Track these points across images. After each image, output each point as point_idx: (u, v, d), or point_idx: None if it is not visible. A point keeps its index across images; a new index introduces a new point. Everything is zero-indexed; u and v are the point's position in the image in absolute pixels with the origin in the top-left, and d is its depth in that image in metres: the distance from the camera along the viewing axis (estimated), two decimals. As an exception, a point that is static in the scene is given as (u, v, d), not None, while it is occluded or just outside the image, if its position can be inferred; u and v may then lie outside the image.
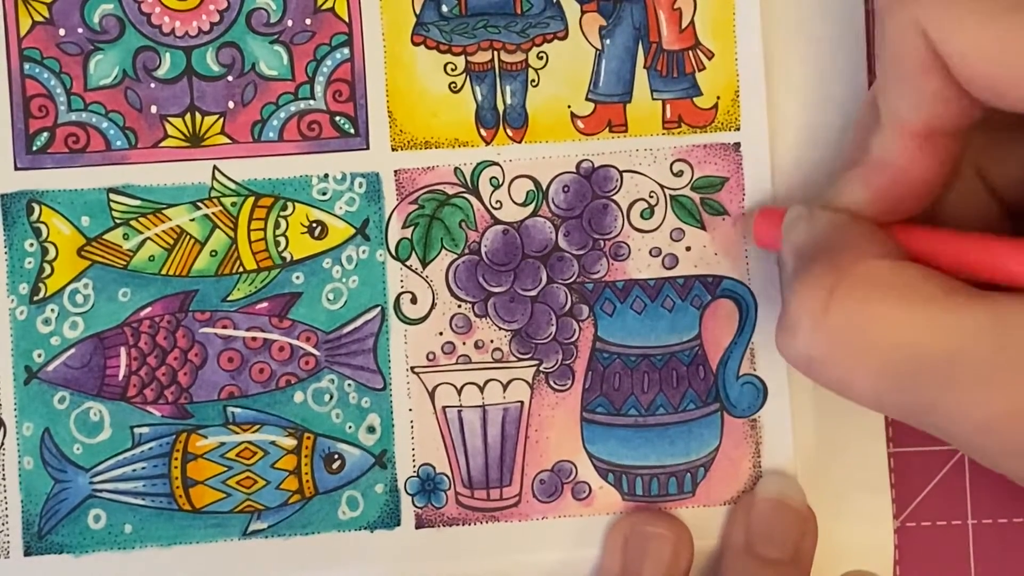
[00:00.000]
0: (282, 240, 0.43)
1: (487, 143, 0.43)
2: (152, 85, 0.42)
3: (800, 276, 0.35)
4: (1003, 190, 0.39)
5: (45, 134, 0.42)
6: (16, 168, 0.42)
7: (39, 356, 0.42)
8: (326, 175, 0.43)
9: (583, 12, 0.43)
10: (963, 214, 0.39)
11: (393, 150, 0.43)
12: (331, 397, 0.43)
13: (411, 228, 0.43)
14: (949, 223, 0.39)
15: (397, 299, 0.43)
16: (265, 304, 0.43)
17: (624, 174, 0.43)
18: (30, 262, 0.42)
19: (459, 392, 0.43)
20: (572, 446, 0.43)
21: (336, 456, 0.43)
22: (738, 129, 0.43)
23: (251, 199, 0.43)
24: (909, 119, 0.35)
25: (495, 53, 0.43)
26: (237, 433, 0.43)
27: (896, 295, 0.33)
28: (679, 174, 0.43)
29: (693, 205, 0.43)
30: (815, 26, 0.43)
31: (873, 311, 0.33)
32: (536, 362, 0.43)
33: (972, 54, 0.32)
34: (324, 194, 0.43)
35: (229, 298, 0.43)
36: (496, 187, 0.43)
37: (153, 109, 0.42)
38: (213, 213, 0.42)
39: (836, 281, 0.34)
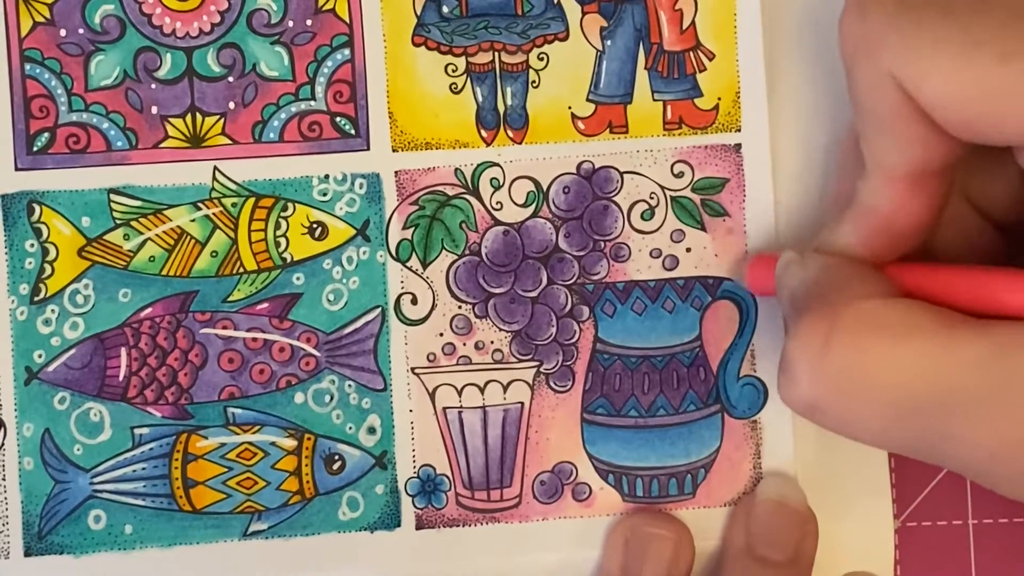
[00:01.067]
0: (282, 241, 0.43)
1: (488, 144, 0.43)
2: (153, 86, 0.42)
3: (795, 322, 0.35)
4: (992, 210, 0.39)
5: (46, 135, 0.42)
6: (17, 168, 0.42)
7: (39, 356, 0.42)
8: (327, 176, 0.43)
9: (584, 13, 0.43)
10: (955, 238, 0.39)
11: (394, 151, 0.43)
12: (331, 398, 0.43)
13: (411, 229, 0.43)
14: (942, 248, 0.39)
15: (397, 300, 0.43)
16: (265, 305, 0.43)
17: (625, 175, 0.43)
18: (30, 262, 0.42)
19: (459, 393, 0.43)
20: (572, 447, 0.43)
21: (336, 457, 0.43)
22: (739, 130, 0.43)
23: (252, 200, 0.43)
24: (895, 166, 0.35)
25: (496, 54, 0.43)
26: (237, 434, 0.43)
27: (892, 333, 0.33)
28: (680, 175, 0.43)
29: (694, 206, 0.43)
30: (816, 27, 0.43)
31: (870, 351, 0.33)
32: (536, 363, 0.43)
33: (949, 98, 0.32)
34: (325, 195, 0.43)
35: (229, 299, 0.43)
36: (496, 188, 0.43)
37: (154, 110, 0.42)
38: (214, 214, 0.42)
39: (831, 325, 0.34)
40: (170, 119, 0.42)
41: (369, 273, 0.43)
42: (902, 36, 0.33)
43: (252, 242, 0.42)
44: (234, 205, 0.42)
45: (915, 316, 0.33)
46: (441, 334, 0.43)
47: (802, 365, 0.34)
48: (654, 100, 0.43)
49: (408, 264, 0.43)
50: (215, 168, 0.42)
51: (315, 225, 0.43)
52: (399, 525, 0.43)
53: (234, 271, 0.43)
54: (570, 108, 0.43)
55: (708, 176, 0.43)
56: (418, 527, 0.43)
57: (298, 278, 0.43)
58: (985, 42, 0.31)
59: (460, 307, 0.43)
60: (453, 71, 0.43)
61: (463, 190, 0.43)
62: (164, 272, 0.42)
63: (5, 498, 0.42)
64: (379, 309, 0.43)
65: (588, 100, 0.43)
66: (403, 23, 0.43)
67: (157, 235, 0.42)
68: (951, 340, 0.32)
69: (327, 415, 0.43)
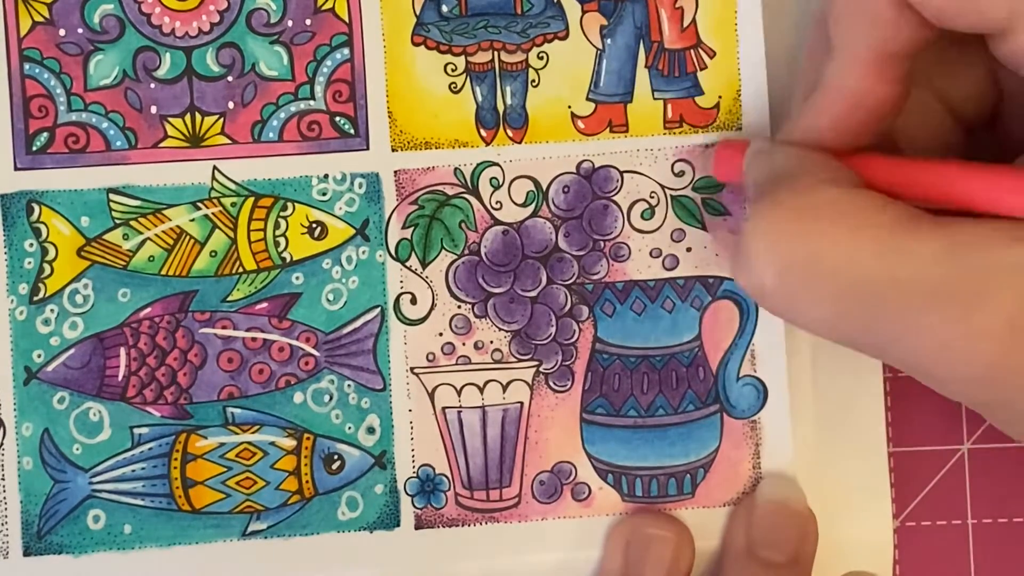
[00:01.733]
0: (282, 240, 0.43)
1: (487, 143, 0.43)
2: (152, 85, 0.42)
3: (754, 210, 0.35)
4: (958, 104, 0.39)
5: (45, 134, 0.42)
6: (16, 168, 0.42)
7: (39, 356, 0.42)
8: (326, 175, 0.43)
9: (584, 12, 0.43)
10: (919, 130, 0.39)
11: (393, 150, 0.43)
12: (331, 398, 0.43)
13: (411, 229, 0.43)
14: (905, 139, 0.39)
15: (397, 300, 0.43)
16: (265, 304, 0.43)
17: (625, 174, 0.43)
18: (30, 262, 0.42)
19: (459, 393, 0.43)
20: (572, 447, 0.43)
21: (336, 457, 0.43)
22: (740, 128, 0.43)
23: (251, 199, 0.43)
24: (863, 46, 0.35)
25: (495, 53, 0.43)
26: (237, 434, 0.43)
27: (848, 223, 0.33)
28: (680, 174, 0.43)
29: (694, 205, 0.43)
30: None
31: (827, 238, 0.33)
32: (536, 363, 0.43)
33: None
34: (324, 194, 0.43)
35: (229, 298, 0.43)
36: (496, 187, 0.43)
37: (153, 109, 0.42)
38: (213, 213, 0.42)
39: (790, 209, 0.34)
40: (169, 119, 0.42)
41: (368, 273, 0.43)
42: None
43: (251, 242, 0.42)
44: (233, 205, 0.42)
45: (875, 207, 0.33)
46: (440, 334, 0.43)
47: (758, 247, 0.34)
48: (654, 99, 0.43)
49: (407, 264, 0.43)
50: (214, 168, 0.42)
51: (314, 225, 0.43)
52: (398, 525, 0.43)
53: (233, 271, 0.43)
54: (570, 107, 0.43)
55: (709, 175, 0.43)
56: (417, 527, 0.43)
57: (297, 278, 0.43)
58: None
59: (459, 307, 0.43)
60: (452, 70, 0.43)
61: (462, 190, 0.43)
62: (163, 272, 0.42)
63: (4, 498, 0.42)
64: (378, 309, 0.43)
65: (588, 99, 0.43)
66: (402, 22, 0.43)
67: (156, 235, 0.42)
68: (909, 233, 0.32)
69: (326, 415, 0.43)
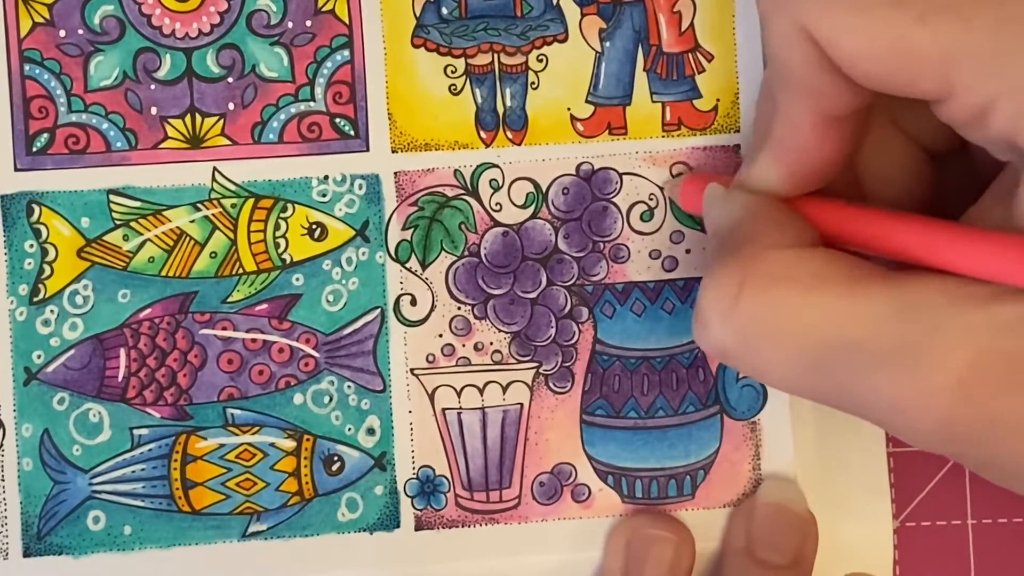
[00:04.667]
0: (282, 242, 0.43)
1: (487, 145, 0.43)
2: (152, 86, 0.42)
3: (711, 269, 0.35)
4: (921, 136, 0.39)
5: (45, 135, 0.42)
6: (16, 169, 0.42)
7: (38, 357, 0.42)
8: (326, 177, 0.43)
9: (583, 15, 0.43)
10: (885, 165, 0.39)
11: (393, 152, 0.43)
12: (331, 399, 0.43)
13: (411, 230, 0.43)
14: (873, 174, 0.39)
15: (397, 301, 0.43)
16: (265, 306, 0.43)
17: (624, 176, 0.43)
18: (30, 263, 0.42)
19: (459, 394, 0.43)
20: (572, 448, 0.43)
21: (335, 458, 0.43)
22: (738, 131, 0.43)
23: (251, 201, 0.43)
24: (802, 110, 0.35)
25: (495, 55, 0.43)
26: (237, 435, 0.43)
27: (802, 285, 0.33)
28: (679, 176, 0.43)
29: (693, 207, 0.43)
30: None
31: (780, 302, 0.33)
32: (536, 364, 0.43)
33: (864, 56, 0.32)
34: (324, 196, 0.43)
35: (229, 299, 0.43)
36: (496, 189, 0.43)
37: (153, 110, 0.42)
38: (213, 214, 0.42)
39: (743, 273, 0.34)
40: (169, 120, 0.42)
41: (368, 274, 0.43)
42: None
43: (251, 243, 0.42)
44: (233, 206, 0.43)
45: (827, 268, 0.33)
46: (440, 335, 0.43)
47: (713, 311, 0.34)
48: (653, 101, 0.43)
49: (407, 265, 0.43)
50: (214, 169, 0.42)
51: (314, 226, 0.43)
52: (398, 526, 0.43)
53: (233, 272, 0.43)
54: (569, 109, 0.43)
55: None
56: (417, 528, 0.43)
57: (297, 279, 0.43)
58: (904, 3, 0.31)
59: (459, 308, 0.43)
60: (452, 72, 0.43)
61: (462, 191, 0.43)
62: (163, 273, 0.42)
63: (4, 499, 0.42)
64: (378, 310, 0.43)
65: (587, 101, 0.43)
66: (402, 24, 0.43)
67: (156, 236, 0.42)
68: (860, 294, 0.32)
69: (326, 416, 0.43)
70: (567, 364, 0.43)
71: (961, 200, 0.35)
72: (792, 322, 0.33)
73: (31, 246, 0.42)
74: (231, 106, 0.42)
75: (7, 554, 0.42)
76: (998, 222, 0.33)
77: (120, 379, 0.42)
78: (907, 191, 0.39)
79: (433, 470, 0.43)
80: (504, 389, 0.43)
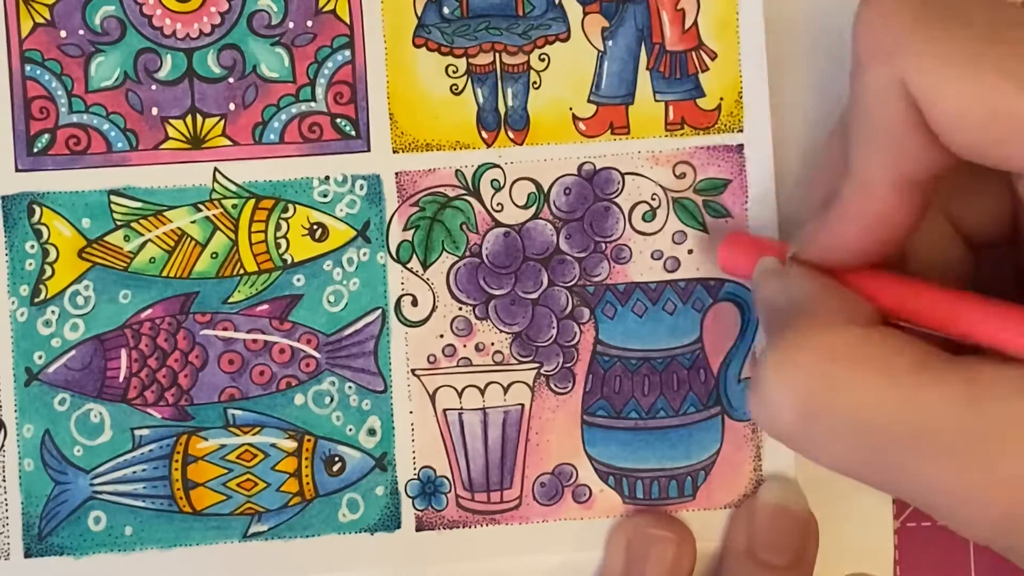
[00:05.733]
0: (283, 242, 0.43)
1: (488, 145, 0.43)
2: (153, 87, 0.42)
3: (772, 344, 0.35)
4: (969, 228, 0.39)
5: (46, 136, 0.42)
6: (17, 170, 0.42)
7: (40, 358, 0.42)
8: (327, 177, 0.43)
9: (585, 13, 0.43)
10: (929, 251, 0.38)
11: (394, 152, 0.43)
12: (332, 399, 0.43)
13: (412, 230, 0.43)
14: (914, 258, 0.38)
15: (398, 301, 0.43)
16: (266, 306, 0.43)
17: (626, 176, 0.43)
18: (31, 264, 0.42)
19: (460, 395, 0.43)
20: (573, 449, 0.43)
21: (336, 458, 0.43)
22: (741, 131, 0.43)
23: (252, 201, 0.43)
24: (885, 172, 0.34)
25: (497, 55, 0.43)
26: (237, 435, 0.43)
27: (864, 368, 0.33)
28: (681, 176, 0.43)
29: (695, 207, 0.43)
30: (819, 26, 0.43)
31: (843, 383, 0.33)
32: (537, 365, 0.43)
33: (961, 119, 0.31)
34: (325, 196, 0.43)
35: (230, 300, 0.43)
36: (497, 189, 0.43)
37: (154, 111, 0.42)
38: (214, 215, 0.42)
39: (807, 351, 0.34)
40: (170, 120, 0.42)
41: (369, 274, 0.43)
42: (924, 46, 0.32)
43: (252, 243, 0.42)
44: (234, 206, 0.42)
45: (890, 350, 0.33)
46: (441, 335, 0.43)
47: (775, 386, 0.34)
48: (656, 101, 0.43)
49: (408, 265, 0.43)
50: (215, 169, 0.42)
51: (315, 226, 0.43)
52: (399, 527, 0.43)
53: (234, 272, 0.43)
54: (571, 109, 0.43)
55: (710, 177, 0.43)
56: (418, 529, 0.43)
57: (298, 279, 0.43)
58: (1010, 70, 0.30)
59: (460, 308, 0.43)
60: (454, 72, 0.43)
61: (464, 191, 0.43)
62: (164, 273, 0.42)
63: (5, 499, 0.42)
64: (379, 310, 0.43)
65: (589, 101, 0.43)
66: (404, 24, 0.43)
67: (157, 236, 0.42)
68: (923, 380, 0.32)
69: (327, 417, 0.43)
70: (568, 365, 0.43)
71: (998, 293, 0.35)
72: (855, 403, 0.33)
73: (32, 247, 0.42)
74: (232, 106, 0.42)
75: (8, 555, 0.42)
76: None
77: (121, 380, 0.42)
78: (950, 279, 0.39)
79: (434, 471, 0.43)
80: (505, 390, 0.43)
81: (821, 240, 0.37)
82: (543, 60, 0.43)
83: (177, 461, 0.42)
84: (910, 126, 0.33)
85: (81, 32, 0.42)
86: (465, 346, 0.43)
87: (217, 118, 0.42)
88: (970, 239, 0.39)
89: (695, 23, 0.43)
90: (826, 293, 0.36)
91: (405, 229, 0.43)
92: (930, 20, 0.32)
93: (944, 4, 0.32)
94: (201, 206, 0.42)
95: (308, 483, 0.43)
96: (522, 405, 0.43)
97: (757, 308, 0.38)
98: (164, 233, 0.42)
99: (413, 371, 0.43)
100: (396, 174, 0.43)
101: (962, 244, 0.39)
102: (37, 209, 0.42)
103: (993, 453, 0.31)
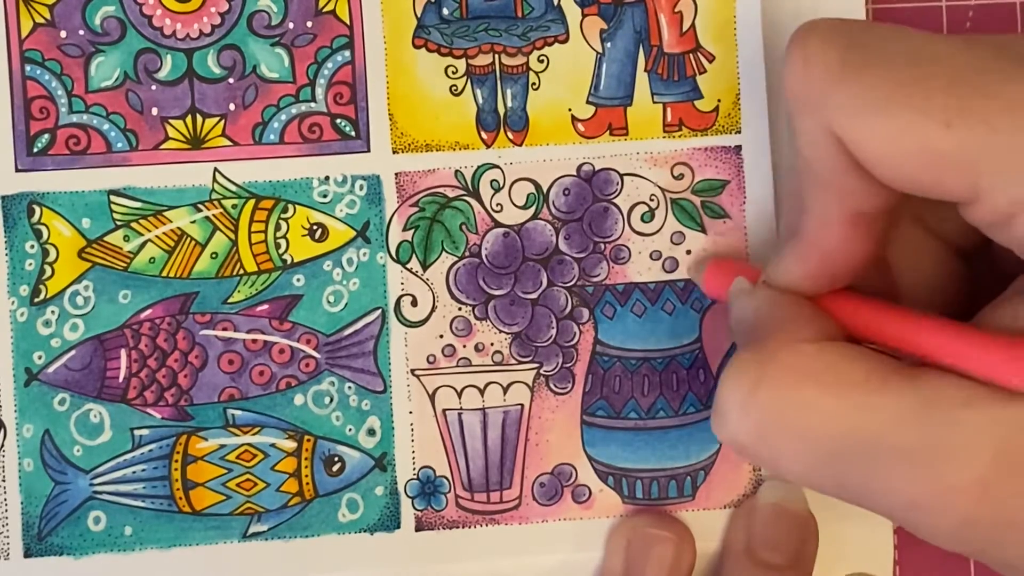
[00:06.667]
0: (283, 242, 0.43)
1: (488, 146, 0.43)
2: (153, 87, 0.42)
3: (731, 361, 0.35)
4: (947, 235, 0.39)
5: (46, 136, 0.42)
6: (17, 170, 0.42)
7: (39, 358, 0.42)
8: (327, 177, 0.43)
9: (584, 15, 0.43)
10: (914, 264, 0.39)
11: (394, 152, 0.43)
12: (331, 399, 0.43)
13: (412, 231, 0.43)
14: (901, 273, 0.39)
15: (397, 302, 0.43)
16: (265, 306, 0.43)
17: (625, 177, 0.43)
18: (31, 264, 0.42)
19: (459, 395, 0.43)
20: (572, 449, 0.43)
21: (336, 458, 0.43)
22: (739, 132, 0.43)
23: (252, 201, 0.43)
24: (832, 210, 0.35)
25: (496, 56, 0.43)
26: (237, 435, 0.43)
27: (819, 381, 0.33)
28: (680, 177, 0.43)
29: (694, 208, 0.43)
30: (816, 29, 0.43)
31: (797, 397, 0.33)
32: (536, 365, 0.43)
33: (891, 160, 0.32)
34: (325, 196, 0.43)
35: (229, 300, 0.43)
36: (497, 190, 0.43)
37: (154, 111, 0.42)
38: (214, 215, 0.42)
39: (761, 370, 0.34)
40: (170, 120, 0.42)
41: (369, 275, 0.43)
42: (845, 95, 0.32)
43: (252, 243, 0.43)
44: (234, 206, 0.43)
45: (845, 364, 0.33)
46: (441, 336, 0.43)
47: (732, 403, 0.35)
48: (654, 102, 0.43)
49: (408, 266, 0.43)
50: (215, 170, 0.43)
51: (315, 227, 0.43)
52: (399, 527, 0.43)
53: (234, 272, 0.43)
54: (570, 110, 0.43)
55: (708, 178, 0.43)
56: (418, 529, 0.43)
57: (298, 279, 0.43)
58: (930, 108, 0.31)
59: (460, 309, 0.43)
60: (453, 73, 0.43)
61: (463, 192, 0.43)
62: (164, 273, 0.42)
63: (5, 499, 0.42)
64: (379, 311, 0.43)
65: (588, 102, 0.43)
66: (403, 25, 0.43)
67: (157, 236, 0.42)
68: (877, 391, 0.32)
69: (327, 417, 0.43)
70: (568, 365, 0.43)
71: (993, 294, 0.35)
72: (809, 416, 0.33)
73: (32, 247, 0.42)
74: (232, 107, 0.42)
75: (8, 554, 0.42)
76: (1009, 323, 0.33)
77: (121, 380, 0.42)
78: (939, 286, 0.39)
79: (434, 471, 0.43)
80: (505, 390, 0.43)
81: (790, 269, 0.37)
82: (542, 61, 0.43)
83: (177, 461, 0.42)
84: (847, 168, 0.33)
85: (81, 32, 0.42)
86: (465, 346, 0.43)
87: (217, 118, 0.42)
88: (952, 245, 0.39)
89: (693, 25, 0.43)
90: (788, 310, 0.36)
91: (405, 229, 0.43)
92: (852, 66, 0.32)
93: (866, 45, 0.33)
94: (201, 206, 0.43)
95: (308, 483, 0.43)
96: (522, 405, 0.43)
97: (731, 326, 0.39)
98: (164, 233, 0.42)
99: (413, 371, 0.43)
100: (396, 174, 0.43)
101: (947, 251, 0.39)
102: (37, 209, 0.42)
103: (944, 460, 0.31)
